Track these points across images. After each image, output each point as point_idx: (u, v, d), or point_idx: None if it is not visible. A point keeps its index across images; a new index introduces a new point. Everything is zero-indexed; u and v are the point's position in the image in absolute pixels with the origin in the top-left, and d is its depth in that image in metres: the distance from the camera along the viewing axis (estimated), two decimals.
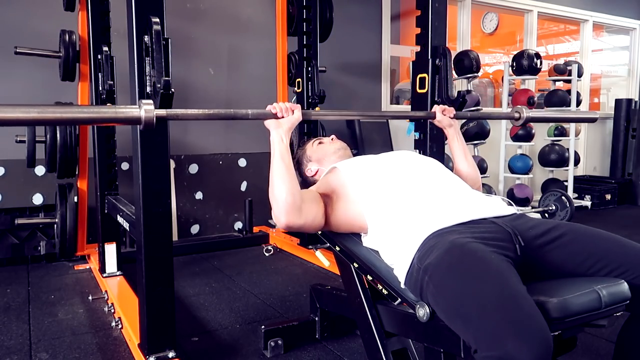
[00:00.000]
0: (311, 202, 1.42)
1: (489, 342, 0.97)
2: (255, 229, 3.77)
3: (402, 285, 1.30)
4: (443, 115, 1.77)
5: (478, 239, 1.19)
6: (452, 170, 1.69)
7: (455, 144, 1.78)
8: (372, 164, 1.56)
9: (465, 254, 1.13)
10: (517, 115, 1.90)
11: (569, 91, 4.89)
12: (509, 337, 0.94)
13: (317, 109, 3.41)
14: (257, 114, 1.44)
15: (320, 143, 1.81)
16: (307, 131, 3.42)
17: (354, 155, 1.80)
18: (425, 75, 2.23)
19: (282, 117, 1.44)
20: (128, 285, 2.53)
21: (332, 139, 1.81)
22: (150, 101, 1.27)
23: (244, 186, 3.97)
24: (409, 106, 2.55)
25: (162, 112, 1.31)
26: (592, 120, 2.10)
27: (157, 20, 1.51)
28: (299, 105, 1.48)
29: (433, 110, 1.81)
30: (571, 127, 4.83)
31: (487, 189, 4.38)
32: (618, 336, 1.26)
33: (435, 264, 1.16)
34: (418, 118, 2.17)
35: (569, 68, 4.90)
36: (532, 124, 4.84)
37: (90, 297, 2.50)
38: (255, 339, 2.03)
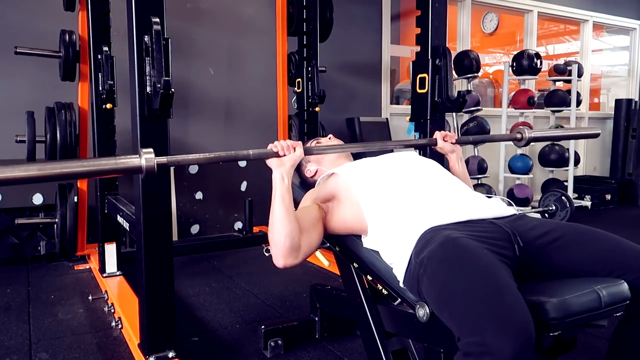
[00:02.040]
0: (310, 229, 1.43)
1: (470, 329, 0.99)
2: (255, 229, 3.76)
3: (401, 284, 1.30)
4: (444, 142, 1.76)
5: (474, 236, 1.20)
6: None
7: (456, 171, 1.75)
8: (372, 167, 1.56)
9: (457, 247, 1.15)
10: (519, 136, 1.89)
11: (569, 91, 4.89)
12: (489, 326, 0.96)
13: (317, 109, 3.42)
14: (259, 154, 1.43)
15: (318, 143, 1.81)
16: (307, 131, 3.43)
17: (353, 155, 1.80)
18: (425, 75, 2.23)
19: (284, 155, 1.43)
20: (128, 285, 2.53)
21: (329, 138, 1.82)
22: (151, 149, 1.26)
23: (244, 186, 3.97)
24: (409, 106, 2.54)
25: (163, 159, 1.29)
26: (594, 136, 2.08)
27: (157, 20, 1.51)
28: (300, 143, 1.47)
29: (434, 137, 1.79)
30: (571, 127, 4.83)
31: (487, 189, 4.38)
32: (612, 336, 1.26)
33: (429, 257, 1.17)
34: (421, 147, 2.16)
35: (569, 68, 4.90)
36: (532, 124, 4.85)
37: (90, 297, 2.50)
38: (255, 339, 2.03)
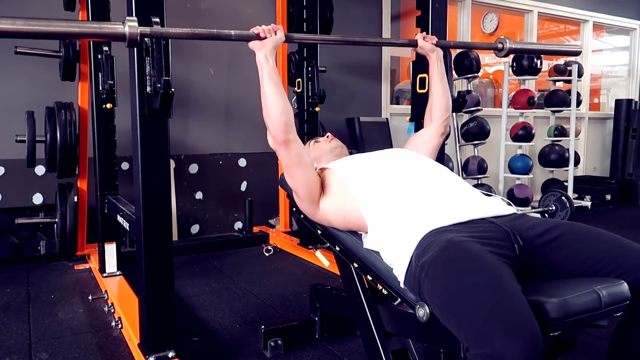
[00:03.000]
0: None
1: (478, 340, 0.98)
2: (255, 229, 3.77)
3: (402, 285, 1.30)
4: (425, 42, 1.86)
5: (476, 238, 1.19)
6: (451, 169, 1.70)
7: (435, 69, 1.86)
8: (367, 162, 1.56)
9: (460, 252, 1.14)
10: (500, 46, 1.98)
11: (569, 91, 4.89)
12: (498, 335, 0.95)
13: (317, 109, 3.42)
14: (240, 34, 1.50)
15: (316, 142, 1.82)
16: (306, 131, 3.42)
17: (351, 153, 1.80)
18: (425, 75, 2.23)
19: (265, 37, 1.50)
20: (128, 285, 2.53)
21: (327, 137, 1.82)
22: (135, 18, 1.32)
23: (244, 186, 3.97)
24: (409, 106, 2.55)
25: (146, 29, 1.36)
26: (575, 54, 2.15)
27: (157, 20, 1.51)
28: (280, 26, 1.54)
29: (415, 38, 1.89)
30: (571, 127, 4.83)
31: (487, 189, 4.38)
32: (612, 336, 1.26)
33: (431, 262, 1.16)
34: (400, 45, 2.26)
35: (569, 68, 4.90)
36: (532, 124, 4.85)
37: (90, 297, 2.50)
38: (255, 339, 2.03)
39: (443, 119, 1.81)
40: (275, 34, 1.51)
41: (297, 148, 1.45)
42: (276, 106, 1.41)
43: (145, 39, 1.52)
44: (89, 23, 1.33)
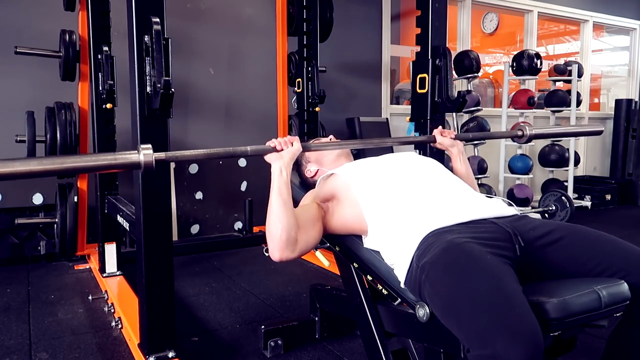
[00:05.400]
0: (308, 226, 1.43)
1: (480, 341, 0.98)
2: (255, 229, 3.76)
3: (402, 285, 1.30)
4: (443, 137, 1.76)
5: (477, 239, 1.19)
6: (451, 169, 1.69)
7: (458, 165, 1.75)
8: (372, 167, 1.56)
9: (462, 253, 1.14)
10: (520, 133, 1.88)
11: (569, 91, 4.89)
12: (499, 337, 0.95)
13: (317, 109, 3.42)
14: (257, 150, 1.44)
15: (317, 143, 1.81)
16: (307, 131, 3.43)
17: (353, 155, 1.80)
18: (425, 75, 2.23)
19: (282, 149, 1.44)
20: (128, 285, 2.53)
21: (330, 139, 1.82)
22: (149, 145, 1.27)
23: (244, 186, 3.97)
24: (409, 106, 2.55)
25: (162, 155, 1.30)
26: (597, 134, 2.04)
27: (157, 20, 1.51)
28: (297, 138, 1.49)
29: (432, 134, 1.79)
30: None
31: (487, 189, 4.38)
32: (610, 336, 1.26)
33: (432, 263, 1.16)
34: (418, 143, 2.17)
35: (569, 68, 4.90)
36: (531, 122, 4.85)
37: (90, 297, 2.50)
38: (255, 339, 2.03)
39: None
40: (292, 145, 1.46)
41: (298, 249, 1.40)
42: (279, 222, 1.35)
43: (145, 39, 1.53)
44: (103, 156, 1.28)
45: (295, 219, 1.39)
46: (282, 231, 1.35)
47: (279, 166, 1.43)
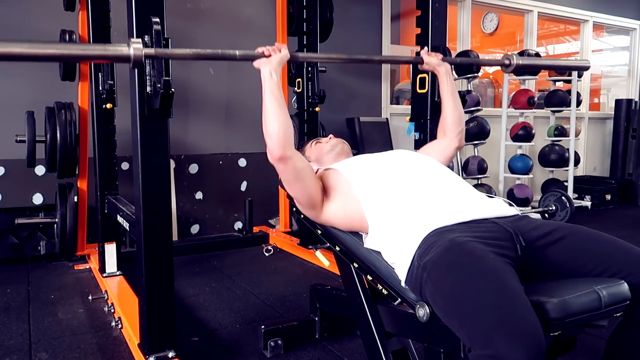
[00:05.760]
0: (310, 173, 1.49)
1: (481, 341, 0.98)
2: (255, 229, 3.77)
3: (403, 284, 1.30)
4: (430, 57, 1.81)
5: (478, 238, 1.19)
6: (451, 169, 1.70)
7: (445, 84, 1.81)
8: (371, 163, 1.56)
9: (464, 253, 1.14)
10: (507, 62, 1.93)
11: (569, 91, 4.89)
12: (501, 337, 0.95)
13: (317, 109, 3.41)
14: (245, 54, 1.50)
15: (317, 142, 1.82)
16: (307, 131, 3.42)
17: (354, 154, 1.81)
18: (425, 75, 2.23)
19: (270, 55, 1.50)
20: (128, 285, 2.53)
21: (329, 138, 1.82)
22: (139, 40, 1.32)
23: (244, 186, 3.97)
24: (409, 106, 2.55)
25: (151, 50, 1.36)
26: (585, 69, 2.09)
27: (157, 20, 1.51)
28: (284, 45, 1.54)
29: (420, 55, 1.83)
30: (571, 127, 4.83)
31: (487, 190, 4.38)
32: (610, 336, 1.26)
33: (433, 262, 1.16)
34: (405, 62, 2.21)
35: None
36: (532, 124, 4.85)
37: (90, 297, 2.50)
38: (255, 339, 2.03)
39: (457, 132, 1.78)
40: (280, 52, 1.51)
41: (295, 164, 1.43)
42: (275, 120, 1.40)
43: (146, 38, 1.53)
44: (93, 46, 1.35)
45: (290, 121, 1.45)
46: (280, 129, 1.39)
47: (269, 69, 1.47)
